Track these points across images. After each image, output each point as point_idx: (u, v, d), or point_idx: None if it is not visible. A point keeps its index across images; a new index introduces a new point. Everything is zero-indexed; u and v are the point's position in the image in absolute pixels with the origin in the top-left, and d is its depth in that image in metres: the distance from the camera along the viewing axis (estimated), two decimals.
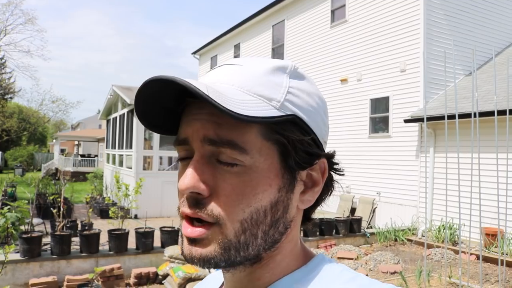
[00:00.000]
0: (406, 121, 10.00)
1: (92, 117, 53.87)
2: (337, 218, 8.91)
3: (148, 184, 11.37)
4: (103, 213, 11.66)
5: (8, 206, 7.89)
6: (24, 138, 46.85)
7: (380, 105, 11.22)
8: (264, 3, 15.97)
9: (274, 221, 0.58)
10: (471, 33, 10.76)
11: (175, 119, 0.62)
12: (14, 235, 7.30)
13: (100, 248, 6.80)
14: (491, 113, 6.93)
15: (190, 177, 0.55)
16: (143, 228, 7.03)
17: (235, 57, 18.75)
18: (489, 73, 10.02)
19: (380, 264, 6.95)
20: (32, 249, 6.20)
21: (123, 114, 15.38)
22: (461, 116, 6.85)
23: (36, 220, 9.59)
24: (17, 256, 6.17)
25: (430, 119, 9.00)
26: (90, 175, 19.97)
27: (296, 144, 0.57)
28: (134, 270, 6.33)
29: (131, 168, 13.70)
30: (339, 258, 7.36)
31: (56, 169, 31.84)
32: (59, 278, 6.03)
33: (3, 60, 35.37)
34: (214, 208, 0.55)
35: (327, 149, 0.65)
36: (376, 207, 10.76)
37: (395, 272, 6.59)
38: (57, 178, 23.24)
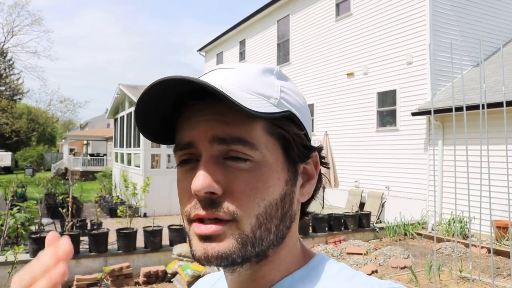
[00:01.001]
0: (413, 114, 9.91)
1: (100, 116, 54.11)
2: (346, 213, 8.87)
3: (157, 182, 11.38)
4: (112, 212, 11.71)
5: (18, 207, 7.95)
6: (33, 139, 47.23)
7: (387, 99, 11.13)
8: None
9: (283, 214, 0.59)
10: (478, 23, 10.62)
11: (169, 127, 0.63)
12: (23, 235, 7.35)
13: (109, 247, 6.81)
14: (499, 104, 6.83)
15: (203, 178, 0.55)
16: (151, 226, 7.04)
17: (241, 53, 18.74)
18: (497, 63, 9.89)
19: (389, 259, 6.90)
20: (41, 249, 6.07)
21: (130, 112, 15.41)
22: (469, 108, 6.77)
23: (45, 220, 9.65)
24: (27, 256, 6.20)
25: (438, 111, 8.92)
26: (99, 174, 20.07)
27: (295, 138, 0.60)
28: (143, 269, 6.34)
29: (139, 166, 13.74)
30: (348, 253, 7.32)
31: (66, 168, 32.05)
32: (68, 278, 6.04)
33: (11, 62, 35.65)
34: (230, 205, 0.55)
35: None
36: (385, 202, 10.69)
37: (405, 267, 6.55)
38: (66, 178, 23.39)
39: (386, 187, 10.76)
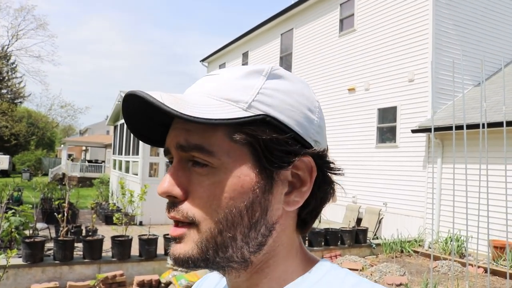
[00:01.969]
0: (413, 131, 9.91)
1: (100, 123, 54.14)
2: (343, 228, 8.82)
3: (154, 190, 11.25)
4: (108, 219, 11.62)
5: (13, 210, 7.89)
6: (32, 143, 47.14)
7: (387, 115, 11.14)
8: (273, 11, 15.99)
9: (253, 223, 0.57)
10: (480, 43, 10.69)
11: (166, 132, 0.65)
12: (17, 239, 7.28)
13: (103, 254, 6.76)
14: (499, 124, 6.84)
15: (166, 182, 0.58)
16: (146, 235, 6.99)
17: (243, 65, 18.79)
18: (498, 83, 9.92)
19: (385, 276, 6.85)
20: (34, 254, 6.18)
21: None
22: (470, 126, 6.77)
23: (40, 225, 9.59)
24: (19, 261, 6.14)
25: (438, 129, 8.92)
26: (96, 180, 20.01)
27: (268, 143, 0.57)
28: (136, 278, 6.28)
29: (137, 174, 13.70)
30: None
31: (63, 174, 31.95)
32: (61, 284, 5.99)
33: (14, 65, 35.72)
34: (189, 209, 0.57)
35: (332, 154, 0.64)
36: (382, 218, 10.65)
37: (400, 284, 6.49)
38: (63, 183, 23.31)
39: (383, 204, 10.72)
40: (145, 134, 0.67)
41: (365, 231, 9.02)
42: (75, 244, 6.78)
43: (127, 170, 15.65)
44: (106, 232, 8.64)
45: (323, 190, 0.62)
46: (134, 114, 0.63)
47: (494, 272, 7.07)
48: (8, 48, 33.66)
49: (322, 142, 0.63)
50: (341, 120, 12.50)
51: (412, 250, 8.86)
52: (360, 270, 7.19)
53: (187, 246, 0.57)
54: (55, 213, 7.83)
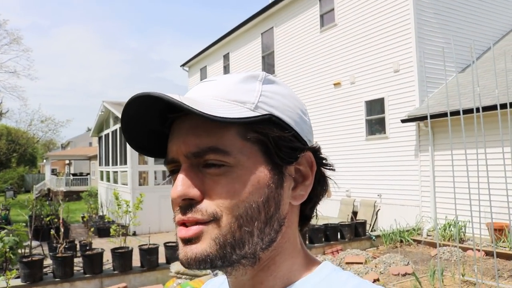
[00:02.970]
0: (403, 121, 9.96)
1: (82, 135, 53.39)
2: (342, 223, 8.81)
3: (145, 199, 11.17)
4: (101, 232, 11.45)
5: (5, 230, 7.68)
6: (13, 160, 46.24)
7: (375, 107, 11.18)
8: (252, 11, 15.96)
9: (268, 218, 0.59)
10: (461, 30, 10.80)
11: (163, 141, 0.65)
12: (12, 259, 7.08)
13: (104, 268, 6.61)
14: (490, 108, 6.91)
15: (180, 185, 0.57)
16: (147, 244, 6.87)
17: (225, 67, 18.73)
18: (482, 68, 10.03)
19: (390, 267, 6.84)
20: (33, 273, 6.01)
21: (116, 130, 15.20)
22: (463, 112, 6.80)
23: (33, 243, 9.37)
24: (18, 282, 5.97)
25: (427, 117, 8.95)
26: (84, 193, 19.70)
27: (277, 141, 0.60)
28: None
29: (126, 184, 13.51)
30: (347, 263, 7.24)
31: (49, 189, 31.44)
32: None
33: None
34: (208, 206, 0.57)
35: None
36: (378, 209, 10.68)
37: (406, 274, 6.49)
38: (50, 198, 22.90)
39: (378, 195, 10.75)
40: (138, 140, 0.66)
41: (363, 224, 9.03)
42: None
43: (115, 181, 15.44)
44: (100, 245, 8.47)
45: (320, 184, 0.66)
46: (132, 119, 0.62)
47: (496, 254, 7.12)
48: None
49: (312, 141, 0.67)
50: (329, 115, 12.50)
51: (411, 239, 8.89)
52: (364, 263, 7.17)
53: (204, 244, 0.57)
54: (51, 230, 7.65)
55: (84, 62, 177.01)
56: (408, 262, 7.13)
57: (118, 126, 14.75)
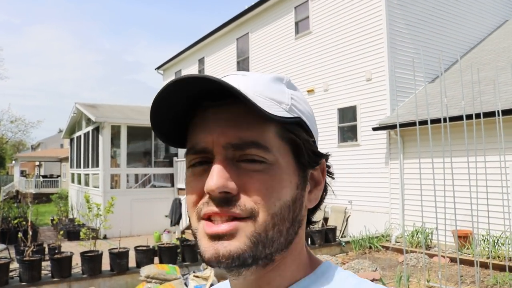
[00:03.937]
0: (374, 129, 10.16)
1: (53, 136, 52.33)
2: (312, 229, 8.91)
3: (117, 202, 11.08)
4: (71, 235, 11.28)
5: None
6: None
7: (348, 114, 11.37)
8: (228, 16, 16.02)
9: (294, 218, 0.60)
10: (431, 41, 11.10)
11: (181, 129, 0.63)
12: None
13: (72, 271, 6.53)
14: (456, 118, 7.12)
15: (218, 177, 0.55)
16: (117, 248, 6.82)
17: (199, 71, 18.70)
18: (450, 79, 10.33)
19: (358, 272, 6.97)
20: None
21: (88, 132, 15.01)
22: (431, 122, 7.00)
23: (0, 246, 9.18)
24: None
25: (399, 126, 9.15)
26: (54, 196, 19.34)
27: (305, 144, 0.62)
28: None
29: (98, 187, 13.35)
30: None
31: (17, 191, 30.71)
32: None
33: None
34: (247, 202, 0.56)
35: None
36: (349, 216, 10.84)
37: (373, 280, 6.62)
38: (18, 200, 22.37)
39: (349, 202, 10.91)
40: (158, 121, 0.61)
41: (333, 230, 9.15)
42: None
43: (87, 183, 15.23)
44: (70, 248, 8.36)
45: (325, 190, 0.69)
46: (163, 99, 0.57)
47: (459, 261, 7.33)
48: None
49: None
50: None
51: (380, 245, 9.07)
52: None
53: (239, 241, 0.55)
54: (19, 232, 7.51)
55: (57, 62, 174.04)
56: (376, 268, 7.28)
57: (90, 128, 14.57)
